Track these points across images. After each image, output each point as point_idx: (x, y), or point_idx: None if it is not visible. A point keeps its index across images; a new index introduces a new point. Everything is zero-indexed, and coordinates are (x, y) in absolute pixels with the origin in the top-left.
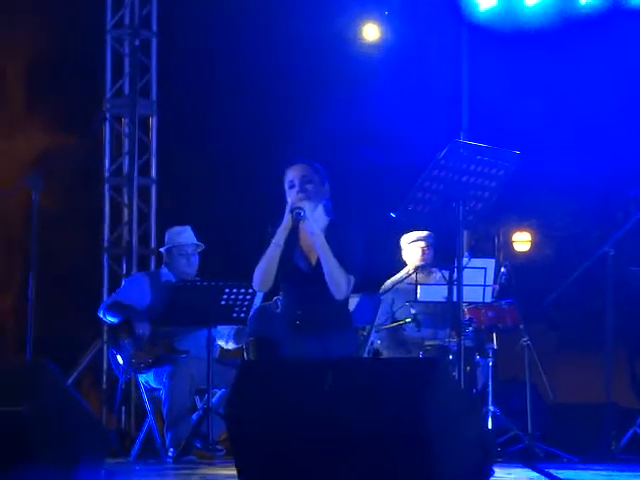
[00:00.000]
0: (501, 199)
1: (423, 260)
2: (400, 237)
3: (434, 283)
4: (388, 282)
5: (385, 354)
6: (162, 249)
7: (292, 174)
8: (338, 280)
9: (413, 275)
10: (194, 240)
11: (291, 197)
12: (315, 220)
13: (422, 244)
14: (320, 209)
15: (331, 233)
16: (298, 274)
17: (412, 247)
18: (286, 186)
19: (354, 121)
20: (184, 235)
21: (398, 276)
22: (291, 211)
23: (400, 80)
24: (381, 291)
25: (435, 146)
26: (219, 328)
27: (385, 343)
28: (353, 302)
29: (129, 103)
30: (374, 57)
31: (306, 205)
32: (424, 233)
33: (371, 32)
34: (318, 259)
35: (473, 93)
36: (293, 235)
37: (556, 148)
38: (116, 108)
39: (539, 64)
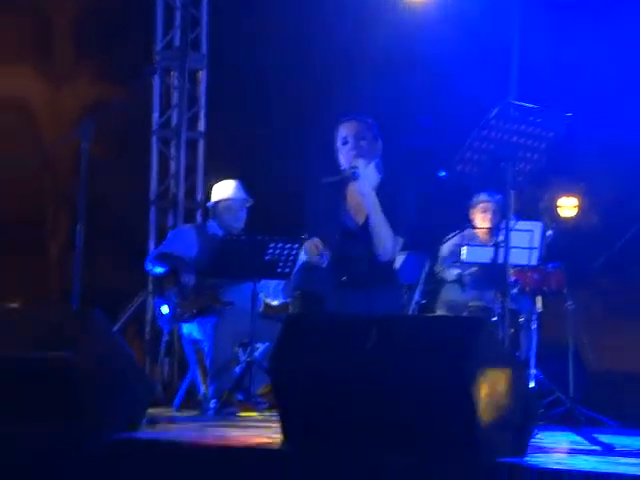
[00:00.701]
0: (549, 162)
1: (488, 223)
2: (451, 197)
3: (480, 244)
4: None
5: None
6: (209, 203)
7: (345, 131)
8: (386, 241)
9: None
10: (242, 195)
11: (344, 154)
12: (367, 178)
13: (488, 205)
14: (372, 166)
15: (382, 192)
16: (345, 231)
17: (477, 209)
18: (339, 143)
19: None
20: (233, 190)
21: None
22: (347, 169)
23: (449, 39)
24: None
25: (485, 106)
26: (264, 282)
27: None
28: (400, 259)
29: (179, 56)
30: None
31: (360, 163)
32: (490, 197)
33: None
34: (366, 218)
35: (523, 54)
36: (341, 191)
37: (605, 113)
38: (166, 60)
39: (591, 27)
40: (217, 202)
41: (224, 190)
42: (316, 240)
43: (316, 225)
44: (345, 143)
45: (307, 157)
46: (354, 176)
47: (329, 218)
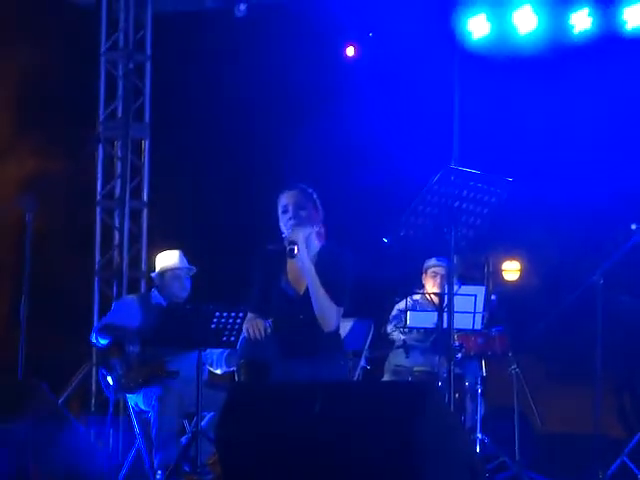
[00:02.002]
0: (492, 226)
1: (439, 287)
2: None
3: (423, 309)
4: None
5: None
6: (153, 273)
7: (285, 199)
8: (327, 314)
9: (403, 302)
10: (186, 264)
11: (283, 222)
12: (306, 250)
13: (438, 270)
14: (312, 235)
15: (322, 260)
16: (286, 300)
17: (428, 274)
18: (279, 210)
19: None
20: (177, 259)
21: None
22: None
23: (390, 105)
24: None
25: (427, 173)
26: (209, 351)
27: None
28: (346, 326)
29: (122, 126)
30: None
31: (299, 236)
32: (439, 261)
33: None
34: (307, 287)
35: (465, 120)
36: (282, 262)
37: (547, 176)
38: (109, 131)
39: (531, 92)
40: (162, 272)
41: (168, 259)
42: (257, 321)
43: (258, 292)
44: (285, 212)
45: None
46: (290, 254)
47: (271, 285)
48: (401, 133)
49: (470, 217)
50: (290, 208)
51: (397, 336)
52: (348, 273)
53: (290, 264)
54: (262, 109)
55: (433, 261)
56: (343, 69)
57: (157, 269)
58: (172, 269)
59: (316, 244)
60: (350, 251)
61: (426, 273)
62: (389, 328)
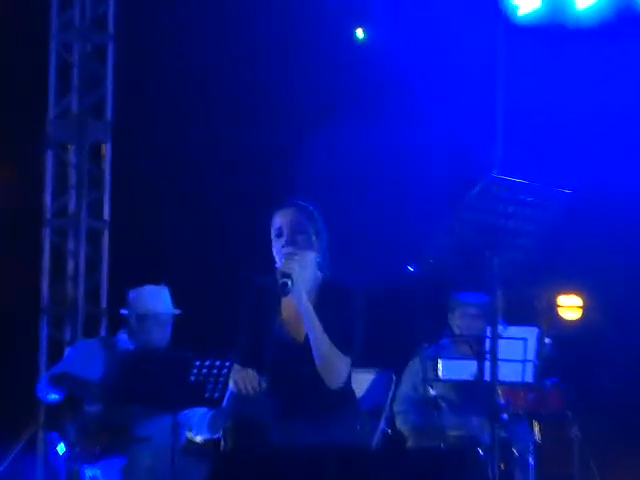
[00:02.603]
0: (546, 251)
1: (471, 330)
2: (424, 298)
3: (459, 357)
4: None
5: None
6: (125, 311)
7: (280, 220)
8: (331, 367)
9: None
10: (170, 307)
11: (276, 249)
12: (304, 281)
13: (470, 309)
14: (312, 265)
15: (325, 297)
16: (283, 349)
17: (456, 313)
18: (272, 234)
19: (360, 155)
20: (160, 300)
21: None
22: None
23: (420, 95)
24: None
25: (464, 182)
26: (188, 412)
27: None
28: (363, 379)
29: (77, 126)
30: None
31: (294, 267)
32: (472, 299)
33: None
34: (307, 333)
35: (510, 112)
36: (275, 299)
37: (614, 184)
38: (61, 132)
39: (589, 74)
40: (142, 314)
41: (152, 300)
42: (248, 372)
43: (246, 337)
44: (278, 235)
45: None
46: (283, 290)
47: (262, 328)
48: (433, 129)
49: (518, 238)
50: (285, 231)
51: (422, 395)
52: (359, 313)
53: (286, 302)
54: (256, 102)
55: (465, 297)
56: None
57: (135, 308)
58: (157, 314)
59: (317, 276)
60: (362, 284)
61: (453, 313)
62: (395, 407)
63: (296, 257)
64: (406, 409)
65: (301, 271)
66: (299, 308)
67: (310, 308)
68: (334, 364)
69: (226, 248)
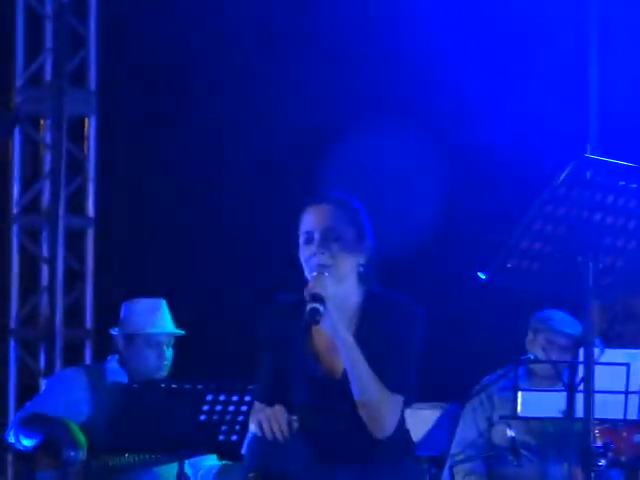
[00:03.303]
0: None
1: (556, 354)
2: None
3: (545, 389)
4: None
5: None
6: (115, 331)
7: (310, 221)
8: (378, 413)
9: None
10: (171, 325)
11: (304, 258)
12: (342, 300)
13: (558, 340)
14: (352, 277)
15: (368, 320)
16: (316, 387)
17: (540, 335)
18: (301, 238)
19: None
20: (157, 315)
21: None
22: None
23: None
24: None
25: (547, 166)
26: (195, 462)
27: None
28: (423, 417)
29: (53, 96)
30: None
31: (326, 286)
32: (570, 325)
33: None
34: (344, 368)
35: (605, 92)
36: (303, 328)
37: None
38: (31, 104)
39: None
40: (130, 334)
41: (142, 314)
42: (276, 411)
43: (268, 371)
44: (308, 241)
45: None
46: (311, 318)
47: (288, 360)
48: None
49: (619, 238)
50: (316, 235)
51: (496, 436)
52: (415, 340)
53: (316, 332)
54: (268, 66)
55: (554, 323)
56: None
57: (123, 326)
58: (149, 334)
59: (359, 291)
60: (417, 302)
61: (535, 335)
62: (453, 448)
63: (329, 271)
64: (469, 457)
65: (337, 288)
66: (333, 337)
67: (349, 339)
68: (382, 409)
69: (246, 254)
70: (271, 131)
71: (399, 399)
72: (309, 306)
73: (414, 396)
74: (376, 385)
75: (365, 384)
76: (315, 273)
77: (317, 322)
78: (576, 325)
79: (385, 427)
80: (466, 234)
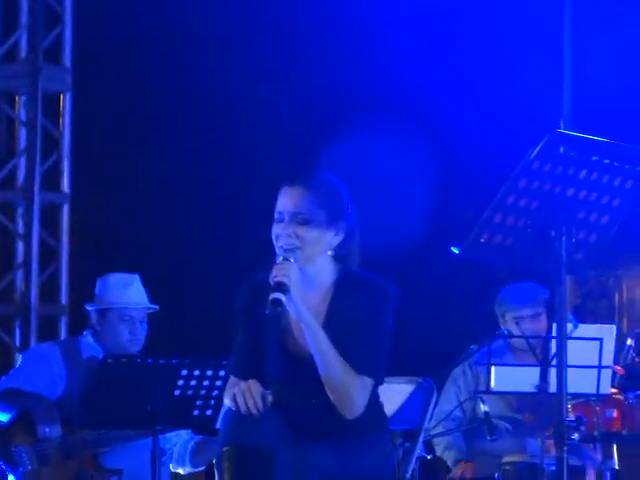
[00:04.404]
0: (626, 229)
1: (530, 329)
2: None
3: (518, 364)
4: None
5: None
6: (90, 306)
7: (283, 202)
8: (346, 396)
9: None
10: (145, 300)
11: (274, 235)
12: (314, 278)
13: (523, 312)
14: (325, 257)
15: (339, 299)
16: (291, 362)
17: (511, 309)
18: (274, 216)
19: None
20: (130, 290)
21: None
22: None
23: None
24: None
25: (519, 141)
26: (171, 436)
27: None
28: (397, 392)
29: (28, 72)
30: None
31: (289, 273)
32: (528, 294)
33: None
34: None
35: (578, 67)
36: (272, 316)
37: None
38: (6, 80)
39: None
40: (105, 308)
41: (115, 289)
42: (251, 385)
43: (244, 345)
44: (279, 221)
45: None
46: (272, 309)
47: (264, 336)
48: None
49: (592, 212)
50: (286, 217)
51: (445, 445)
52: (385, 321)
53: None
54: (254, 40)
55: (512, 300)
56: None
57: (97, 301)
58: (123, 308)
59: (331, 271)
60: (390, 282)
61: (504, 318)
62: (435, 429)
63: (295, 254)
64: (449, 430)
65: (308, 267)
66: (300, 324)
67: (313, 324)
68: (349, 392)
69: (219, 229)
70: (255, 104)
71: (367, 381)
72: (271, 296)
73: (383, 376)
74: (342, 368)
75: (331, 367)
76: (280, 259)
77: (278, 312)
78: (537, 290)
79: (353, 409)
80: (441, 210)
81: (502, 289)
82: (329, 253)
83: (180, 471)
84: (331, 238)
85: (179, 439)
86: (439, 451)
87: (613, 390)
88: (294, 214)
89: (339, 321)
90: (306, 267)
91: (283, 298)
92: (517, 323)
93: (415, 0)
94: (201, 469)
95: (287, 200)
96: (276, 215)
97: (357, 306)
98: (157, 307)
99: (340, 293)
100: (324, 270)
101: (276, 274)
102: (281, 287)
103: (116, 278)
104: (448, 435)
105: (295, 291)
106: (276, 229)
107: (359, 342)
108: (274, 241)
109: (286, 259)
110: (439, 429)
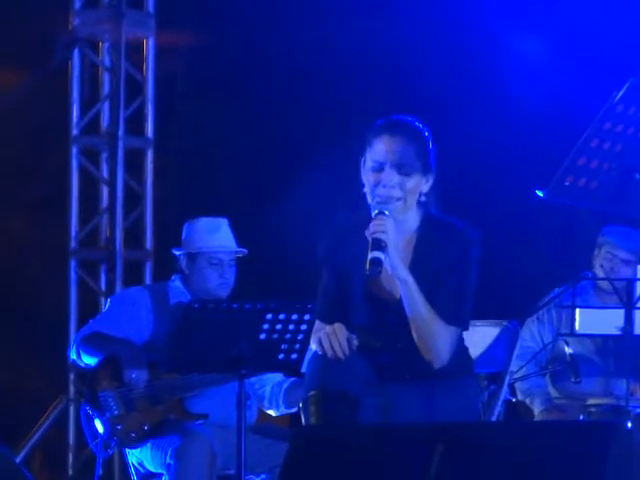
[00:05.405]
0: None
1: (618, 272)
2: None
3: (602, 306)
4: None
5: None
6: (178, 251)
7: (383, 150)
8: (433, 343)
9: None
10: (234, 244)
11: (369, 189)
12: (403, 225)
13: (621, 254)
14: (414, 205)
15: (424, 245)
16: (376, 306)
17: (603, 252)
18: (368, 162)
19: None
20: (219, 234)
21: None
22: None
23: None
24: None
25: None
26: (258, 380)
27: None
28: (485, 333)
29: (111, 17)
30: None
31: (389, 230)
32: (633, 240)
33: None
34: None
35: None
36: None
37: None
38: (89, 27)
39: None
40: (194, 252)
41: (205, 233)
42: (336, 329)
43: (330, 289)
44: (378, 170)
45: None
46: (373, 270)
47: (350, 280)
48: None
49: None
50: (387, 168)
51: (526, 388)
52: (470, 266)
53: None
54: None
55: (616, 239)
56: None
57: (186, 246)
58: (213, 252)
59: (416, 217)
60: (473, 226)
61: (600, 250)
62: (516, 371)
63: (395, 205)
64: (530, 372)
65: (401, 218)
66: (394, 277)
67: (409, 279)
68: (438, 341)
69: (305, 172)
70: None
71: (454, 330)
72: (370, 255)
73: (468, 322)
74: (433, 319)
75: (422, 320)
76: (375, 212)
77: (379, 273)
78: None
79: (440, 357)
80: (525, 153)
81: (608, 225)
82: (420, 196)
83: (272, 412)
84: (424, 186)
85: (270, 381)
86: (521, 396)
87: None
88: (397, 165)
89: (424, 266)
90: (400, 218)
91: (382, 256)
92: (607, 260)
93: None
94: (294, 410)
95: (388, 148)
96: (372, 163)
97: (442, 253)
98: (246, 251)
99: (425, 238)
100: (412, 216)
101: (374, 230)
102: (380, 244)
103: (204, 222)
104: (530, 378)
105: (392, 249)
106: (374, 177)
107: (445, 290)
108: (368, 188)
109: (381, 212)
110: (521, 373)
